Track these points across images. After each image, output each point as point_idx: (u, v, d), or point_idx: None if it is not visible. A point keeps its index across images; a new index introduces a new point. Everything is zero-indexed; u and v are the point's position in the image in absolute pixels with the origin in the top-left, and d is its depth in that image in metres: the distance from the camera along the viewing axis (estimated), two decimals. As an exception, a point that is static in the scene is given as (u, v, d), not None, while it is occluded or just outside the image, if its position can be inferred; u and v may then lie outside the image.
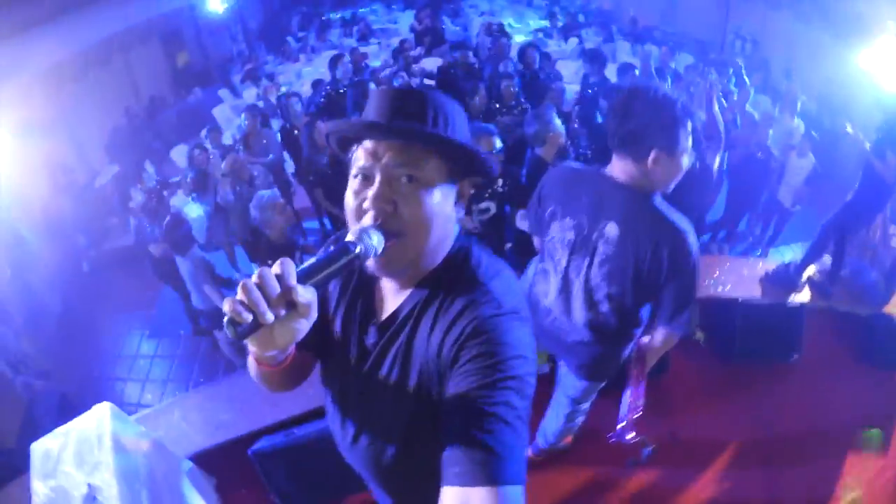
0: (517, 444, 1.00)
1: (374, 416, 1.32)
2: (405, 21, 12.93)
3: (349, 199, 1.15)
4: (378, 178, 1.10)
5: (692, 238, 2.03)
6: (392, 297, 1.27)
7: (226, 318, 0.89)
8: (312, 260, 1.00)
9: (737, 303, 4.07)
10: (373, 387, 1.27)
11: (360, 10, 14.67)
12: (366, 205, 1.10)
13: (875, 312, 4.23)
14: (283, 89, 8.62)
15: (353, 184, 1.15)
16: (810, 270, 4.57)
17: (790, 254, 5.50)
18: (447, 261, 1.24)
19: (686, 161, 2.07)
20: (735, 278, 4.43)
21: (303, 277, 0.95)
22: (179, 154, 8.27)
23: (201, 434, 3.45)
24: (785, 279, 4.42)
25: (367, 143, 1.12)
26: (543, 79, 6.33)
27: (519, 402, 1.04)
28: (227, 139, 7.57)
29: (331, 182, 5.06)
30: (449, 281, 1.20)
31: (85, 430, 2.80)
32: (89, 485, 2.62)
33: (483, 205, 3.94)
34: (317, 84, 7.49)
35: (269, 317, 0.90)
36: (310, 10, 15.07)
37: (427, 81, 7.19)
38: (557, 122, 4.08)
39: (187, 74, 12.27)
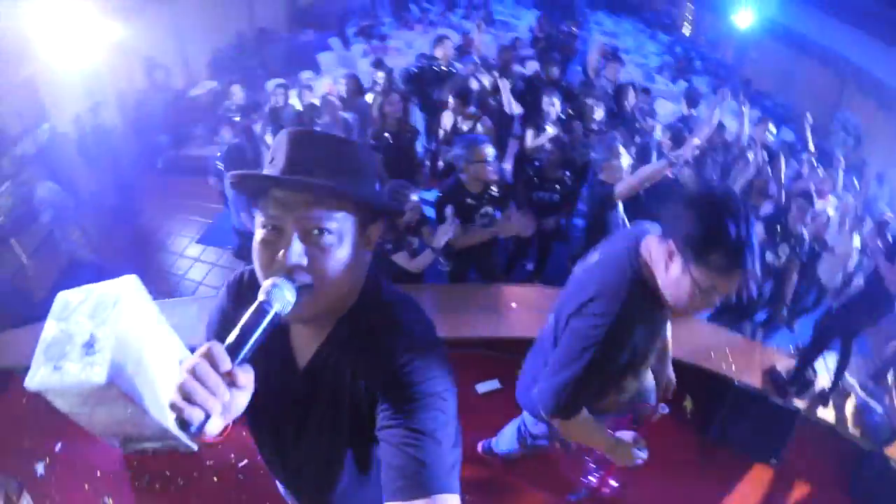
0: (446, 457, 1.10)
1: (313, 453, 1.40)
2: (528, 19, 13.04)
3: (258, 250, 1.13)
4: (290, 232, 1.10)
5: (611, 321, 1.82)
6: (309, 339, 1.31)
7: (175, 419, 0.91)
8: (236, 331, 1.00)
9: (732, 384, 3.99)
10: (307, 427, 1.35)
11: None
12: (279, 257, 1.09)
13: (873, 450, 4.09)
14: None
15: (260, 233, 1.13)
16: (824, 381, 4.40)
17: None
18: (361, 299, 1.28)
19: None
20: (744, 360, 4.27)
21: (233, 354, 0.96)
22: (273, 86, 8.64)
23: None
24: (778, 379, 4.28)
25: (277, 192, 1.11)
26: (632, 112, 6.38)
27: (442, 416, 1.14)
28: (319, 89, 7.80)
29: (388, 153, 5.32)
30: (364, 319, 1.26)
31: (107, 291, 3.20)
32: (92, 334, 2.96)
33: (484, 209, 4.13)
34: (419, 58, 7.69)
35: (219, 408, 0.93)
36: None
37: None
38: (624, 156, 4.15)
39: (305, 13, 12.74)
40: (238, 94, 7.08)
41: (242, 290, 1.44)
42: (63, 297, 3.19)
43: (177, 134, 8.46)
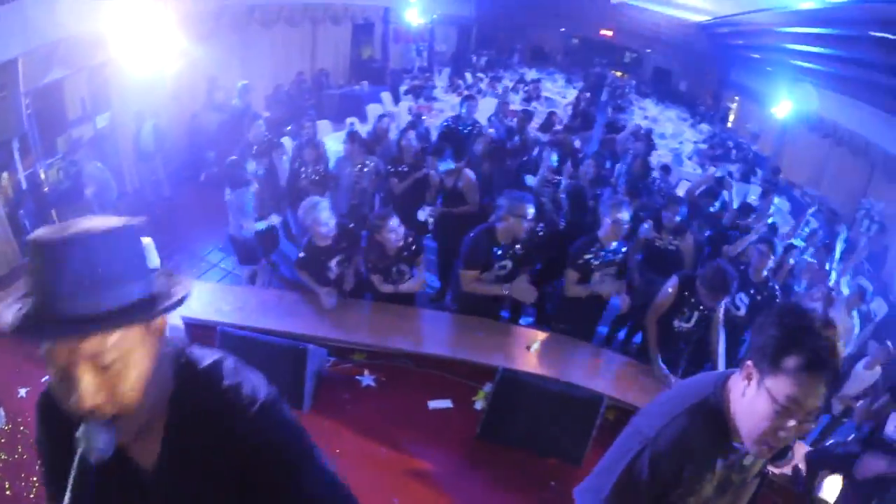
0: (343, 495, 1.25)
1: None
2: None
3: (60, 397, 1.06)
4: (77, 376, 1.01)
5: None
6: (146, 453, 1.20)
7: None
8: (67, 494, 1.00)
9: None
10: None
11: (542, 75, 15.70)
12: (73, 402, 1.02)
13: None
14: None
15: (58, 384, 1.05)
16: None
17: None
18: (178, 385, 1.19)
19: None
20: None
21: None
22: (321, 126, 9.37)
23: (203, 309, 4.30)
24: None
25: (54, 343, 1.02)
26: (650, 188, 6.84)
27: (319, 463, 1.23)
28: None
29: (404, 178, 5.99)
30: (190, 404, 1.18)
31: None
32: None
33: (504, 262, 4.39)
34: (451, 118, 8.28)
35: None
36: (499, 57, 16.29)
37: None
38: (624, 213, 4.43)
39: (364, 66, 13.73)
40: (261, 127, 7.48)
41: (49, 411, 1.24)
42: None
43: (223, 152, 9.07)
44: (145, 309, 1.07)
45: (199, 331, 4.03)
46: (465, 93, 11.62)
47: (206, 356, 1.25)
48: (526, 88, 12.83)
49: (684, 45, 14.95)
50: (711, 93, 15.32)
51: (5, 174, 6.08)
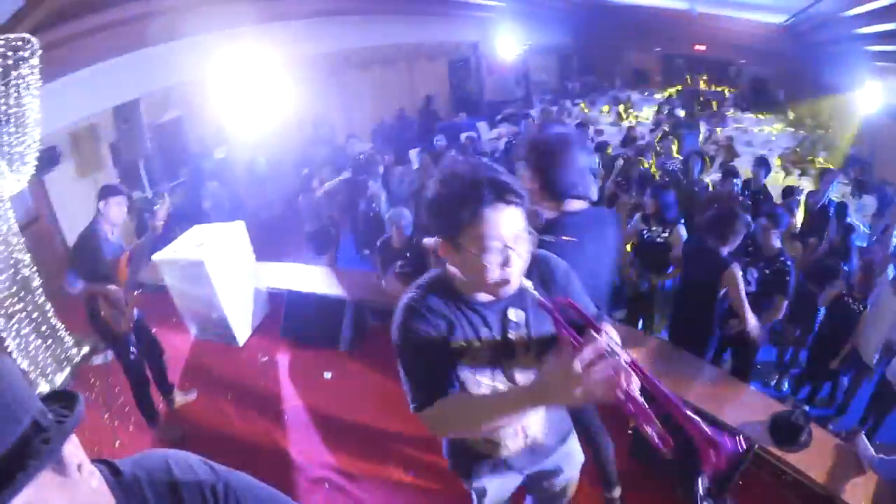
0: None
1: None
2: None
3: None
4: None
5: None
6: None
7: None
8: None
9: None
10: None
11: (642, 96, 16.24)
12: None
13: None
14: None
15: None
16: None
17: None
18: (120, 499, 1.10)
19: None
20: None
21: None
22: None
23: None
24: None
25: None
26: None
27: None
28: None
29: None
30: None
31: (225, 226, 5.66)
32: (204, 241, 5.25)
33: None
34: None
35: None
36: (597, 84, 17.00)
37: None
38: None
39: (464, 100, 15.02)
40: (353, 147, 8.54)
41: None
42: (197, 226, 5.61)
43: (324, 178, 10.60)
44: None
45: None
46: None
47: (129, 462, 1.17)
48: (616, 111, 13.48)
49: (774, 51, 14.63)
50: (806, 96, 14.98)
51: (136, 192, 7.82)
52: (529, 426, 1.98)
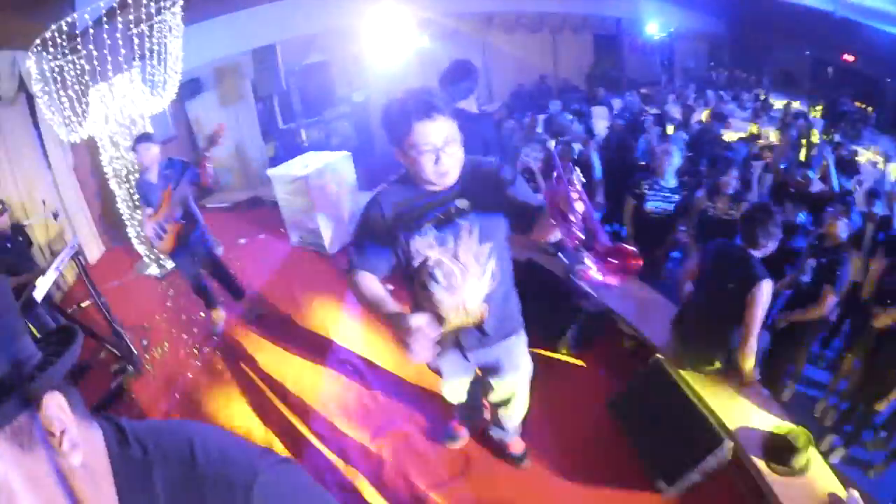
0: None
1: None
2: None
3: None
4: None
5: None
6: None
7: None
8: None
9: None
10: None
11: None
12: None
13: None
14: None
15: None
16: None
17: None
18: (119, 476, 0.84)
19: None
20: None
21: None
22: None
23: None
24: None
25: None
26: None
27: None
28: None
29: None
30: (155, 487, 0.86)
31: (335, 154, 6.60)
32: (308, 163, 6.27)
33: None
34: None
35: None
36: (743, 77, 16.45)
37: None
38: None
39: (603, 74, 15.19)
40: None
41: None
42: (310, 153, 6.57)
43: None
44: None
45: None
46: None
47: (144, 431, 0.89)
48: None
49: None
50: None
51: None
52: (467, 301, 2.34)
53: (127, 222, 6.50)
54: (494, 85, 13.24)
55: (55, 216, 6.25)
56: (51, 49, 5.32)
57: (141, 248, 6.63)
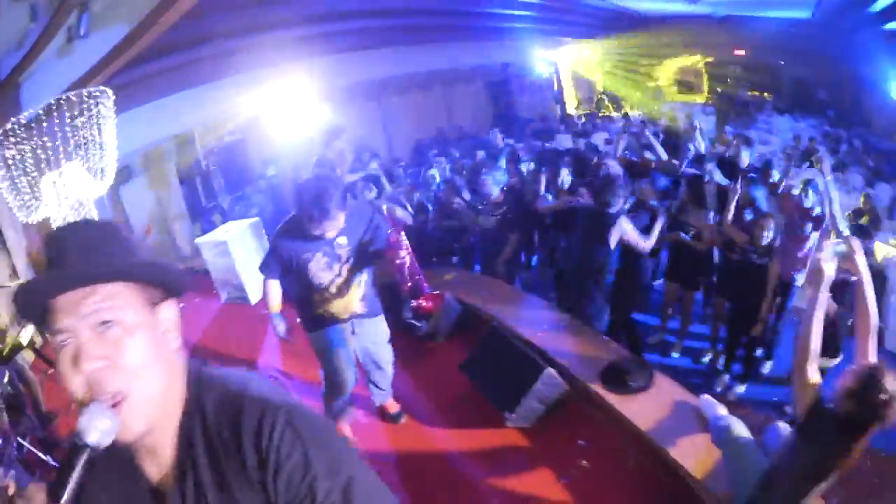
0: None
1: None
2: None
3: (62, 374, 0.99)
4: (75, 336, 0.98)
5: None
6: (161, 465, 1.11)
7: None
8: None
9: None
10: None
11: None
12: (79, 367, 0.97)
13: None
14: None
15: (61, 356, 0.99)
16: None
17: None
18: (193, 393, 1.12)
19: None
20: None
21: (55, 495, 0.93)
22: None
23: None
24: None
25: (57, 302, 1.00)
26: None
27: (364, 468, 1.08)
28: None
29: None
30: (207, 407, 1.09)
31: (244, 223, 7.72)
32: (227, 230, 7.23)
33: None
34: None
35: None
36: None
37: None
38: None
39: (498, 117, 16.38)
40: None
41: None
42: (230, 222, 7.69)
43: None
44: (142, 272, 1.09)
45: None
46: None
47: (220, 371, 1.18)
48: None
49: (811, 48, 14.06)
50: (846, 93, 14.22)
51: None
52: (352, 302, 3.82)
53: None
54: (395, 142, 14.26)
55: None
56: (11, 139, 5.98)
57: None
